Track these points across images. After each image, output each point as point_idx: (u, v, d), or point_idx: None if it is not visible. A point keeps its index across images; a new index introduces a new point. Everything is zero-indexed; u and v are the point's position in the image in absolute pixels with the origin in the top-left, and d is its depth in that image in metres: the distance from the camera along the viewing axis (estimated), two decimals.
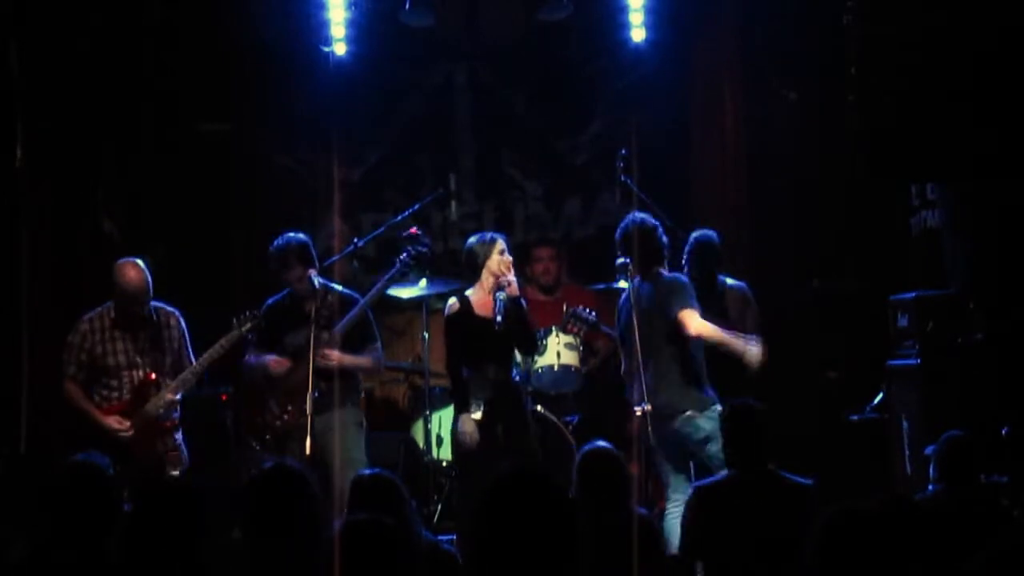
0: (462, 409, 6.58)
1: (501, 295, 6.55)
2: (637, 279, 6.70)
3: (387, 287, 6.91)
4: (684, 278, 6.74)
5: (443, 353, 6.85)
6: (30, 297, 7.73)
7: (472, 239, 6.76)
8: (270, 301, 6.88)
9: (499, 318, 6.46)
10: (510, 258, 6.63)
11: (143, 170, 8.37)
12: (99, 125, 8.03)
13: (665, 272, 6.76)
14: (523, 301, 6.62)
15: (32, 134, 7.76)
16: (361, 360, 6.85)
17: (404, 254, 6.79)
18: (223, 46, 8.48)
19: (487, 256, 6.63)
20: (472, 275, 6.72)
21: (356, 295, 6.93)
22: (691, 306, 6.51)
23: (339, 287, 6.94)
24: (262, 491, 3.72)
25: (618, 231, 6.79)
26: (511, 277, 6.57)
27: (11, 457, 7.23)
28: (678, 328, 6.48)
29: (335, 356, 6.63)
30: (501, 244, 6.65)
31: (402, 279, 6.98)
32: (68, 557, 3.84)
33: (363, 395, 7.13)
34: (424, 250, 6.71)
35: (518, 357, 6.96)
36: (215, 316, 6.92)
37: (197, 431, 7.04)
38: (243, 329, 6.62)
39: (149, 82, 8.26)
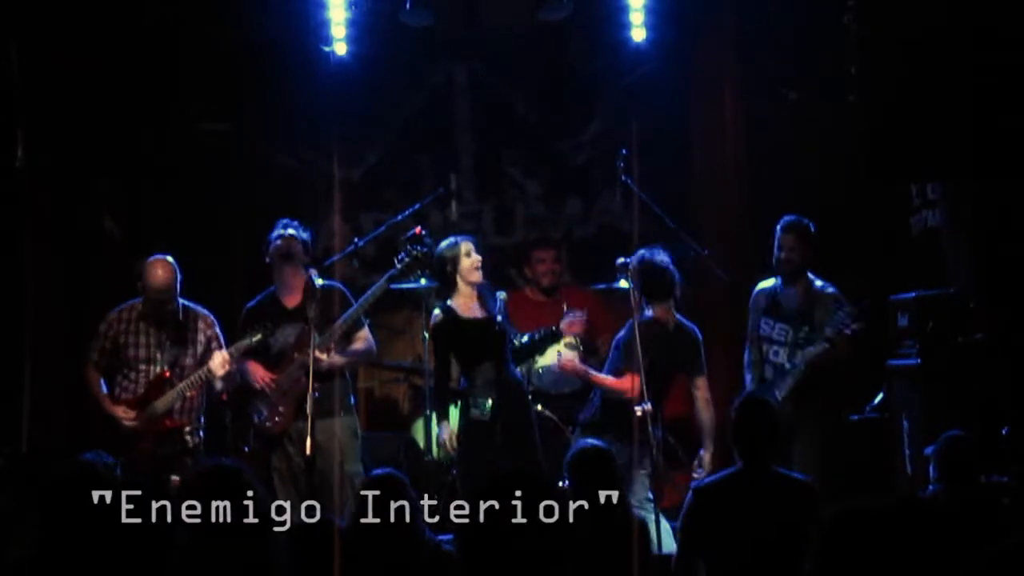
0: (444, 416, 6.75)
1: (501, 295, 6.62)
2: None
3: (383, 289, 6.80)
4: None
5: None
6: (30, 297, 7.72)
7: (441, 246, 6.78)
8: (250, 304, 6.90)
9: (499, 317, 6.48)
10: (478, 257, 6.69)
11: (143, 170, 8.36)
12: (99, 125, 8.03)
13: (683, 319, 6.95)
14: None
15: (32, 134, 7.75)
16: (352, 352, 6.83)
17: (402, 254, 6.76)
18: (223, 46, 8.47)
19: (457, 261, 6.67)
20: (447, 283, 6.73)
21: (338, 284, 6.93)
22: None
23: (320, 280, 6.85)
24: (200, 493, 3.71)
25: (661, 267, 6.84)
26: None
27: (11, 457, 7.22)
28: (692, 386, 6.92)
29: (324, 358, 6.57)
30: (467, 246, 6.71)
31: (401, 279, 6.96)
32: (68, 557, 3.83)
33: (354, 401, 7.07)
34: (424, 250, 6.70)
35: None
36: (215, 316, 6.93)
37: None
38: (252, 340, 6.64)
39: (149, 82, 8.26)
